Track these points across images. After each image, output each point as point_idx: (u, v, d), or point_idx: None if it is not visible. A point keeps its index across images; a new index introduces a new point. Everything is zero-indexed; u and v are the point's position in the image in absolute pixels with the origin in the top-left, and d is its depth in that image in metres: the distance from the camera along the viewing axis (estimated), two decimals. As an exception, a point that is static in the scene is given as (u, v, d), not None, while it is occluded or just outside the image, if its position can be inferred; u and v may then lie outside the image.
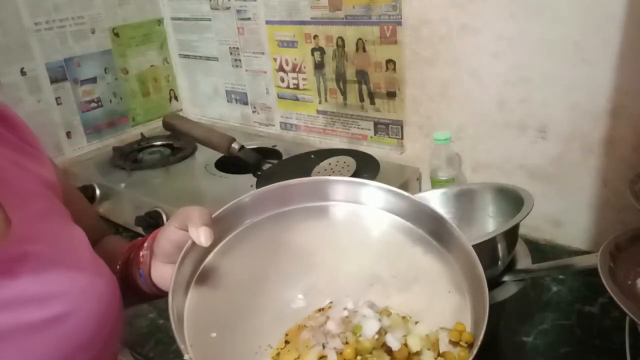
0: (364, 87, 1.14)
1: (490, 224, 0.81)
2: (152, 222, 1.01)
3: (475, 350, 0.38)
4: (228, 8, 1.32)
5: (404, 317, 0.44)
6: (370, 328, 0.42)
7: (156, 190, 1.12)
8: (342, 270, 0.49)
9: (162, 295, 0.54)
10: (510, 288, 0.70)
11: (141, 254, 0.54)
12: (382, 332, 0.42)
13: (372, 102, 1.14)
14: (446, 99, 1.02)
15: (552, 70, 0.88)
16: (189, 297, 0.45)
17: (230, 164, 1.16)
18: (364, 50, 1.10)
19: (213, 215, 0.48)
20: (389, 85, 1.10)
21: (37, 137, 0.53)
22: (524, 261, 0.74)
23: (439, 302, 0.45)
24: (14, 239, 0.39)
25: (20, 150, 0.50)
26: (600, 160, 0.89)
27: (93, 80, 1.35)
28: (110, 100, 1.40)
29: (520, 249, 0.76)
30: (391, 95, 1.10)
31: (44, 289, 0.42)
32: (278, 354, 0.41)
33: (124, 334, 0.53)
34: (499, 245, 0.69)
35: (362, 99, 1.16)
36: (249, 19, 1.28)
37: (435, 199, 0.85)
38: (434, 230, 0.51)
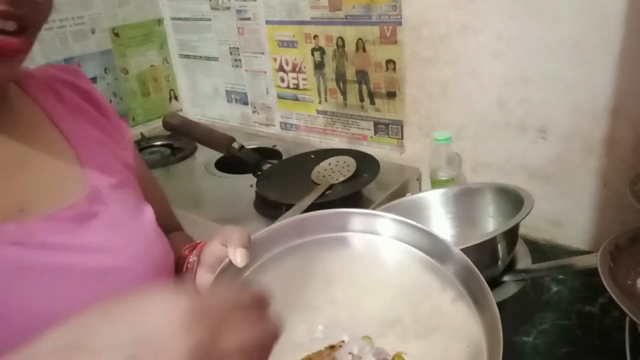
0: (364, 87, 1.14)
1: (490, 224, 0.81)
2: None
3: None
4: (228, 8, 1.32)
5: None
6: None
7: (156, 190, 1.12)
8: (365, 308, 0.49)
9: None
10: (510, 288, 0.70)
11: (190, 259, 0.59)
12: None
13: (372, 102, 1.14)
14: (446, 99, 1.02)
15: (552, 70, 0.88)
16: None
17: (230, 164, 1.16)
18: (364, 50, 1.10)
19: (252, 237, 0.50)
20: (389, 85, 1.10)
21: (124, 124, 0.62)
22: (524, 261, 0.75)
23: (456, 356, 0.44)
24: (89, 199, 0.49)
25: (108, 133, 0.58)
26: (600, 160, 0.89)
27: (93, 80, 1.34)
28: (110, 100, 1.40)
29: (520, 249, 0.76)
30: (391, 95, 1.10)
31: (106, 242, 0.49)
32: None
33: None
34: (499, 245, 0.69)
35: (362, 99, 1.16)
36: (249, 19, 1.28)
37: (435, 199, 0.85)
38: (460, 274, 0.49)
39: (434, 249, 0.50)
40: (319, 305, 0.49)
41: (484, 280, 0.46)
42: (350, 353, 0.45)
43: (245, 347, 0.31)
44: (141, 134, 1.41)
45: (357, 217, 0.53)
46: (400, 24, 1.02)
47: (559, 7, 0.84)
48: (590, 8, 0.81)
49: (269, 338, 0.33)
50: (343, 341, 0.47)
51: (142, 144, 1.36)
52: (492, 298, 0.45)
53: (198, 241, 0.62)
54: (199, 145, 1.25)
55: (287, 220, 0.54)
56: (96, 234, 0.49)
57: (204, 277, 0.56)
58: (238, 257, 0.48)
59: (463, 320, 0.46)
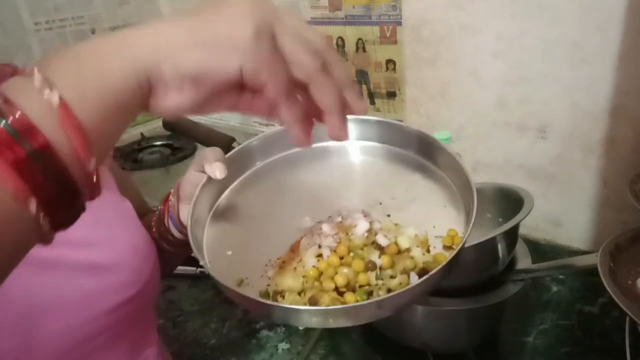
0: (364, 87, 1.14)
1: (490, 224, 0.81)
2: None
3: (461, 245, 0.40)
4: (228, 8, 1.32)
5: (396, 224, 0.48)
6: (360, 227, 0.46)
7: (156, 190, 1.12)
8: (345, 198, 0.52)
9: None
10: (510, 288, 0.70)
11: (170, 199, 0.59)
12: (372, 232, 0.46)
13: (372, 102, 1.14)
14: (446, 99, 1.02)
15: (552, 70, 0.88)
16: (207, 228, 0.50)
17: (230, 164, 1.16)
18: (364, 50, 1.10)
19: (226, 155, 0.53)
20: (389, 85, 1.10)
21: None
22: (524, 261, 0.75)
23: (436, 215, 0.48)
24: None
25: None
26: (600, 160, 0.89)
27: (93, 80, 1.34)
28: (110, 100, 1.39)
29: (520, 249, 0.76)
30: (391, 95, 1.10)
31: (91, 237, 0.49)
32: (284, 262, 0.46)
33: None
34: (499, 245, 0.69)
35: (362, 99, 1.15)
36: (249, 19, 1.28)
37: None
38: (424, 151, 0.54)
39: (394, 136, 0.55)
40: (302, 205, 0.52)
41: (443, 144, 0.51)
42: (339, 215, 0.49)
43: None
44: (141, 134, 1.41)
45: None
46: (400, 24, 1.02)
47: (559, 7, 0.84)
48: (590, 8, 0.81)
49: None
50: (330, 216, 0.50)
51: (142, 144, 1.36)
52: (454, 155, 0.49)
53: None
54: (199, 145, 1.25)
55: (263, 135, 0.57)
56: (83, 229, 0.47)
57: (187, 210, 0.56)
58: (216, 170, 0.49)
59: (435, 189, 0.51)
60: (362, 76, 1.13)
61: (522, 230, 0.72)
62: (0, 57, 1.15)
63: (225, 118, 1.49)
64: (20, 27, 1.18)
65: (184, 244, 0.61)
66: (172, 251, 0.63)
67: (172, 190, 0.60)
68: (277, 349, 0.78)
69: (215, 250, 0.47)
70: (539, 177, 0.96)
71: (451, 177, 0.51)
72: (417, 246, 0.45)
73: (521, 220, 0.68)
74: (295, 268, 0.45)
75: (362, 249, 0.45)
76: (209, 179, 0.50)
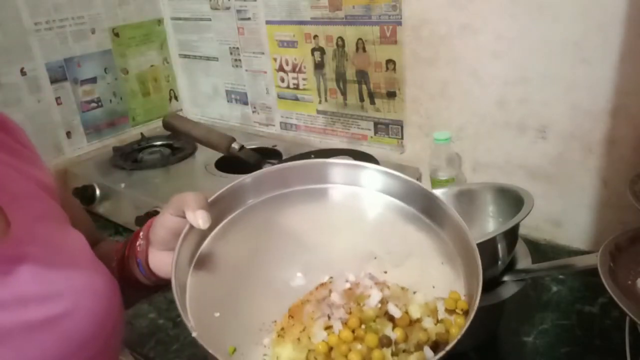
0: (364, 87, 1.14)
1: (490, 224, 0.81)
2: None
3: (472, 316, 0.39)
4: (228, 8, 1.32)
5: (402, 288, 0.46)
6: (373, 298, 0.44)
7: (156, 190, 1.12)
8: (337, 249, 0.50)
9: (160, 283, 0.55)
10: (510, 288, 0.70)
11: (138, 243, 0.54)
12: (384, 301, 0.44)
13: (372, 102, 1.14)
14: (446, 99, 1.02)
15: (552, 70, 0.88)
16: (189, 281, 0.46)
17: (230, 164, 1.16)
18: (364, 50, 1.10)
19: (209, 199, 0.49)
20: (389, 85, 1.10)
21: (32, 144, 0.54)
22: (524, 261, 0.75)
23: (433, 274, 0.47)
24: (13, 240, 0.40)
25: (18, 155, 0.50)
26: (600, 160, 0.89)
27: (93, 80, 1.35)
28: (110, 100, 1.40)
29: (520, 249, 0.76)
30: (391, 95, 1.10)
31: (42, 289, 0.43)
32: (283, 329, 0.43)
33: (125, 333, 0.53)
34: (499, 245, 0.69)
35: (362, 99, 1.16)
36: (249, 19, 1.28)
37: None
38: (425, 207, 0.52)
39: (396, 188, 0.54)
40: (291, 255, 0.49)
41: (439, 197, 0.50)
42: (347, 281, 0.46)
43: None
44: (141, 134, 1.41)
45: (336, 168, 0.55)
46: (400, 24, 1.02)
47: (559, 7, 0.84)
48: (591, 8, 0.81)
49: None
50: (331, 277, 0.47)
51: (142, 144, 1.36)
52: (450, 209, 0.49)
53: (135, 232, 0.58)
54: (199, 145, 1.25)
55: (254, 173, 0.54)
56: (28, 281, 0.42)
57: (158, 256, 0.52)
58: (199, 218, 0.46)
59: (431, 243, 0.49)
60: (362, 76, 1.13)
61: (522, 230, 0.72)
62: (0, 57, 1.15)
63: (225, 118, 1.49)
64: (20, 27, 1.18)
65: (149, 288, 0.57)
66: (132, 291, 0.56)
67: (140, 233, 0.55)
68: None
69: (201, 311, 0.43)
70: (539, 177, 0.96)
71: (449, 232, 0.49)
72: (428, 315, 0.43)
73: (521, 220, 0.68)
74: (298, 339, 0.41)
75: (374, 320, 0.42)
76: (191, 227, 0.46)
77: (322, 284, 0.46)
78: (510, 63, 0.92)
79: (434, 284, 0.45)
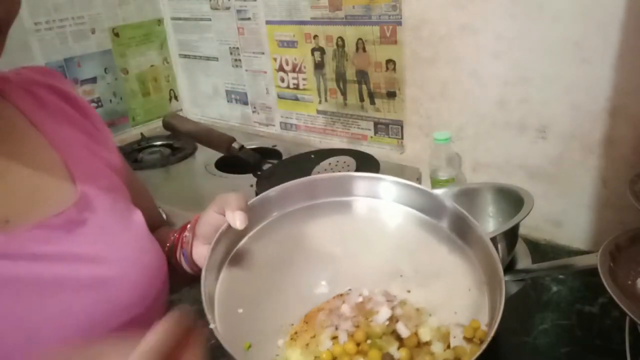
0: (364, 87, 1.14)
1: (490, 224, 0.81)
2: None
3: (484, 346, 0.39)
4: (228, 8, 1.32)
5: (418, 309, 0.45)
6: (381, 314, 0.44)
7: (156, 190, 1.12)
8: (365, 263, 0.51)
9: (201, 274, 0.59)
10: (510, 288, 0.70)
11: (185, 234, 0.58)
12: (394, 319, 0.44)
13: (372, 102, 1.14)
14: (446, 99, 1.02)
15: (552, 70, 0.88)
16: (221, 277, 0.48)
17: (230, 164, 1.16)
18: (364, 50, 1.10)
19: (249, 202, 0.51)
20: (389, 85, 1.10)
21: (107, 127, 0.61)
22: (524, 261, 0.75)
23: (458, 299, 0.46)
24: (79, 206, 0.48)
25: (91, 135, 0.56)
26: (600, 160, 0.89)
27: (93, 80, 1.35)
28: (110, 100, 1.40)
29: (520, 249, 0.76)
30: (391, 95, 1.10)
31: (94, 252, 0.47)
32: (296, 333, 0.44)
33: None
34: (499, 245, 0.69)
35: (362, 99, 1.16)
36: (249, 19, 1.28)
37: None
38: (458, 228, 0.51)
39: (428, 205, 0.53)
40: (319, 264, 0.50)
41: (477, 224, 0.49)
42: (360, 295, 0.46)
43: None
44: (141, 134, 1.41)
45: (364, 181, 0.56)
46: (400, 24, 1.02)
47: (559, 7, 0.84)
48: (590, 8, 0.81)
49: None
50: (350, 289, 0.48)
51: (142, 144, 1.36)
52: (487, 240, 0.47)
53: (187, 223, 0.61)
54: (199, 145, 1.25)
55: (289, 184, 0.55)
56: (86, 242, 0.47)
57: (200, 249, 0.55)
58: (237, 220, 0.48)
59: (461, 267, 0.49)
60: (362, 76, 1.13)
61: (522, 230, 0.72)
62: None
63: (225, 118, 1.49)
64: (20, 27, 1.18)
65: (193, 278, 0.59)
66: (179, 278, 0.60)
67: (187, 225, 0.58)
68: (277, 349, 0.78)
69: (227, 305, 0.45)
70: (539, 177, 0.96)
71: (479, 257, 0.48)
72: (438, 340, 0.42)
73: (521, 220, 0.68)
74: (307, 344, 0.43)
75: (380, 337, 0.43)
76: (229, 226, 0.49)
77: (339, 295, 0.47)
78: (510, 63, 0.92)
79: (457, 310, 0.45)
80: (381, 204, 0.55)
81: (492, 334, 0.39)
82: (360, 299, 0.46)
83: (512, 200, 0.75)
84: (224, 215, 0.50)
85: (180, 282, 0.62)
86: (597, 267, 0.57)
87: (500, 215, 0.80)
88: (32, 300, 0.42)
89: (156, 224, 0.66)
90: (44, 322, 0.42)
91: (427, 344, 0.42)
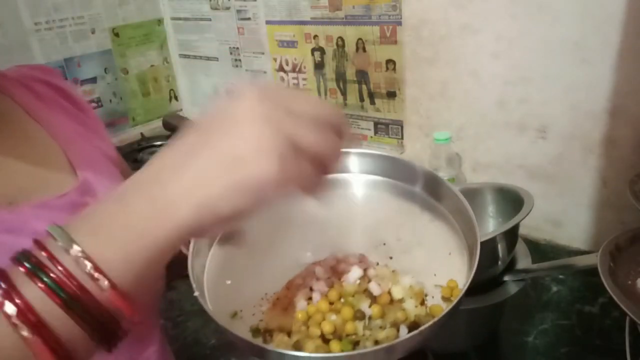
0: (364, 87, 1.14)
1: (490, 224, 0.81)
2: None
3: (457, 299, 0.39)
4: (228, 8, 1.32)
5: (393, 271, 0.47)
6: (352, 274, 0.46)
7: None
8: (349, 234, 0.52)
9: None
10: (510, 288, 0.70)
11: None
12: (366, 279, 0.46)
13: (372, 102, 1.14)
14: (446, 99, 1.02)
15: (552, 70, 0.88)
16: (210, 253, 0.50)
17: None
18: (364, 50, 1.10)
19: None
20: (389, 85, 1.10)
21: (101, 121, 0.62)
22: (524, 261, 0.75)
23: (438, 263, 0.47)
24: (80, 190, 0.49)
25: (88, 128, 0.58)
26: (600, 160, 0.89)
27: (93, 80, 1.35)
28: (110, 100, 1.40)
29: (520, 249, 0.76)
30: (391, 95, 1.10)
31: None
32: (278, 299, 0.46)
33: None
34: (499, 245, 0.69)
35: (362, 99, 1.16)
36: (249, 19, 1.28)
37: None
38: (429, 188, 0.53)
39: (400, 172, 0.54)
40: (303, 239, 0.52)
41: (453, 187, 0.50)
42: (334, 258, 0.48)
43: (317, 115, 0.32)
44: (141, 134, 1.41)
45: (352, 157, 0.57)
46: (400, 24, 1.02)
47: (559, 7, 0.84)
48: (590, 8, 0.81)
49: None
50: (326, 257, 0.50)
51: (142, 144, 1.36)
52: (459, 195, 0.49)
53: None
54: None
55: None
56: None
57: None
58: None
59: (442, 233, 0.50)
60: (362, 76, 1.13)
61: (522, 230, 0.72)
62: (0, 57, 1.15)
63: (225, 118, 1.49)
64: (20, 27, 1.18)
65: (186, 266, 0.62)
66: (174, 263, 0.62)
67: None
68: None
69: (217, 278, 0.47)
70: (539, 177, 0.96)
71: (457, 219, 0.50)
72: (411, 297, 0.44)
73: (521, 220, 0.68)
74: (286, 308, 0.44)
75: (353, 296, 0.44)
76: None
77: (317, 261, 0.49)
78: (510, 63, 0.92)
79: (436, 272, 0.46)
80: (356, 178, 0.57)
81: (466, 286, 0.40)
82: (334, 262, 0.48)
83: (512, 200, 0.75)
84: None
85: (174, 271, 0.63)
86: (597, 267, 0.57)
87: (500, 215, 0.80)
88: None
89: None
90: None
91: (400, 301, 0.44)
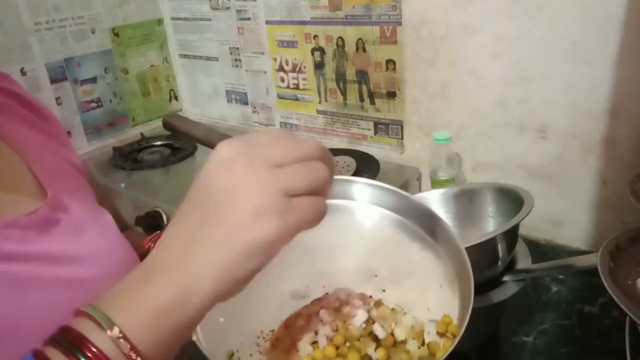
0: (364, 87, 1.14)
1: (490, 224, 0.81)
2: (152, 222, 1.01)
3: (456, 341, 0.40)
4: (228, 8, 1.32)
5: (393, 309, 0.47)
6: (358, 318, 0.46)
7: (156, 190, 1.12)
8: (342, 264, 0.52)
9: None
10: (510, 288, 0.70)
11: None
12: (370, 321, 0.46)
13: (372, 102, 1.14)
14: (446, 99, 1.02)
15: (552, 70, 0.88)
16: None
17: (230, 164, 1.16)
18: (364, 50, 1.10)
19: None
20: (389, 85, 1.10)
21: (63, 128, 0.61)
22: (524, 261, 0.75)
23: (430, 296, 0.48)
24: (49, 206, 0.47)
25: (51, 137, 0.56)
26: (600, 160, 0.89)
27: (93, 80, 1.35)
28: (110, 100, 1.40)
29: (520, 249, 0.76)
30: (391, 95, 1.10)
31: (73, 250, 0.47)
32: (277, 339, 0.45)
33: None
34: (499, 245, 0.69)
35: (362, 99, 1.16)
36: (249, 19, 1.28)
37: (435, 199, 0.85)
38: (428, 227, 0.53)
39: (400, 205, 0.54)
40: (297, 267, 0.51)
41: (445, 222, 0.51)
42: (337, 299, 0.48)
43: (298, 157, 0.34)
44: (141, 134, 1.41)
45: (343, 185, 0.57)
46: (400, 24, 1.02)
47: (559, 7, 0.84)
48: (590, 8, 0.81)
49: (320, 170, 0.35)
50: (327, 293, 0.50)
51: (142, 144, 1.36)
52: (454, 235, 0.49)
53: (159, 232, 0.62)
54: (199, 145, 1.25)
55: None
56: (62, 241, 0.47)
57: None
58: None
59: (432, 264, 0.50)
60: (362, 76, 1.13)
61: (522, 230, 0.72)
62: (0, 57, 1.15)
63: (225, 118, 1.49)
64: (20, 27, 1.18)
65: None
66: None
67: (160, 234, 0.59)
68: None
69: (209, 315, 0.46)
70: (539, 177, 0.96)
71: (449, 253, 0.50)
72: (413, 338, 0.44)
73: (521, 220, 0.68)
74: (288, 350, 0.44)
75: (358, 339, 0.45)
76: None
77: (317, 299, 0.48)
78: (510, 63, 0.92)
79: (430, 306, 0.47)
80: (356, 206, 0.56)
81: (463, 328, 0.41)
82: (337, 304, 0.47)
83: (512, 200, 0.75)
84: None
85: None
86: (597, 267, 0.57)
87: (500, 215, 0.80)
88: (11, 297, 0.42)
89: (121, 227, 0.66)
90: (24, 318, 0.42)
91: (403, 342, 0.44)
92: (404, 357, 0.42)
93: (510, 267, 0.73)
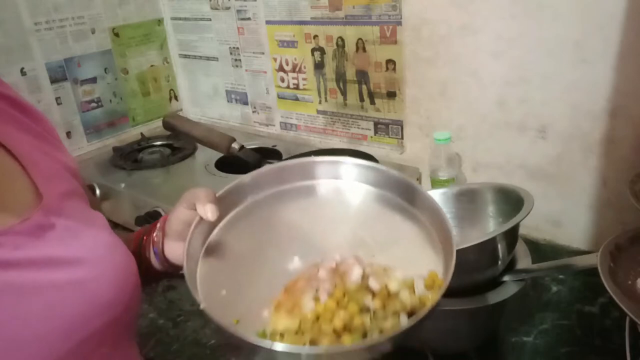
0: (364, 87, 1.14)
1: (490, 224, 0.81)
2: (152, 222, 1.01)
3: (442, 290, 0.44)
4: (228, 8, 1.32)
5: (384, 268, 0.50)
6: (355, 273, 0.49)
7: (156, 190, 1.12)
8: (332, 237, 0.55)
9: (171, 270, 0.62)
10: (510, 288, 0.70)
11: (154, 234, 0.60)
12: (365, 277, 0.49)
13: (372, 102, 1.14)
14: (446, 99, 1.02)
15: (552, 70, 0.88)
16: (199, 266, 0.51)
17: (230, 164, 1.16)
18: (364, 50, 1.10)
19: (217, 195, 0.54)
20: (389, 85, 1.10)
21: (56, 131, 0.60)
22: (524, 261, 0.74)
23: (416, 258, 0.52)
24: (44, 210, 0.47)
25: (44, 140, 0.55)
26: (600, 160, 0.89)
27: (93, 80, 1.35)
28: (110, 100, 1.40)
29: (520, 249, 0.76)
30: (391, 95, 1.10)
31: (68, 254, 0.48)
32: (279, 303, 0.47)
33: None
34: (499, 245, 0.69)
35: (362, 99, 1.16)
36: (249, 19, 1.28)
37: (435, 199, 0.85)
38: (409, 197, 0.57)
39: (382, 180, 0.58)
40: (291, 242, 0.55)
41: (425, 192, 0.55)
42: (333, 260, 0.51)
43: None
44: (141, 134, 1.41)
45: (324, 165, 0.61)
46: (400, 24, 1.02)
47: (559, 7, 0.84)
48: (590, 8, 0.81)
49: None
50: (322, 260, 0.52)
51: (142, 144, 1.36)
52: (434, 203, 0.53)
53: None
54: (199, 145, 1.25)
55: (254, 173, 0.59)
56: (58, 245, 0.47)
57: (173, 245, 0.58)
58: (209, 212, 0.51)
59: (416, 231, 0.54)
60: (362, 76, 1.13)
61: (522, 230, 0.72)
62: (0, 57, 1.15)
63: (225, 118, 1.49)
64: (20, 27, 1.18)
65: (159, 275, 0.63)
66: (144, 278, 0.61)
67: (157, 225, 0.61)
68: (277, 349, 0.78)
69: (209, 291, 0.48)
70: (539, 177, 0.96)
71: (430, 220, 0.54)
72: (405, 289, 0.47)
73: (521, 220, 0.68)
74: (292, 310, 0.47)
75: (356, 292, 0.47)
76: (201, 219, 0.52)
77: (313, 264, 0.51)
78: (510, 63, 0.92)
79: (417, 267, 0.50)
80: (343, 184, 0.60)
81: (448, 279, 0.44)
82: (334, 264, 0.51)
83: (512, 200, 0.75)
84: (194, 210, 0.53)
85: (149, 279, 0.64)
86: (597, 267, 0.57)
87: (500, 215, 0.80)
88: (10, 305, 0.41)
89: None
90: (24, 326, 0.42)
91: (396, 293, 0.47)
92: (398, 305, 0.46)
93: (510, 267, 0.73)
